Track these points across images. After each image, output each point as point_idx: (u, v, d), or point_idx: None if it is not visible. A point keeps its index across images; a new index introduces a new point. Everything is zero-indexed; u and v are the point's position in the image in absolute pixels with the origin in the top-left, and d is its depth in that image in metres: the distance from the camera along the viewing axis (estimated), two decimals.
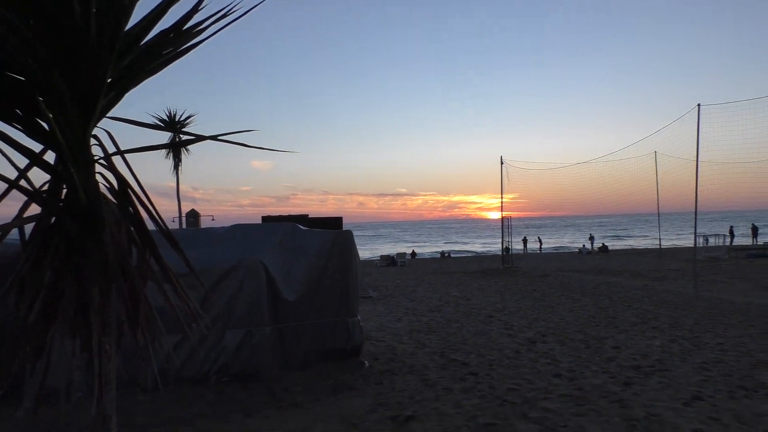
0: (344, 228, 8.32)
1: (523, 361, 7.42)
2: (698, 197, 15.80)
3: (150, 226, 2.53)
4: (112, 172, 2.40)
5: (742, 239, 42.54)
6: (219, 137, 2.51)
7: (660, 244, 31.91)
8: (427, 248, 69.43)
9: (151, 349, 2.50)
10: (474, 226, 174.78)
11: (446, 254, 43.38)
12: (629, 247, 50.24)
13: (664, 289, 15.40)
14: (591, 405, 5.54)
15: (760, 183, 22.77)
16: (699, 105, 15.83)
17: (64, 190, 2.39)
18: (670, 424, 4.95)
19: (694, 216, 16.59)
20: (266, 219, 10.96)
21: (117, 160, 2.45)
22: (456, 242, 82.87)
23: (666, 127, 23.38)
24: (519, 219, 29.29)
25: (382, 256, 34.44)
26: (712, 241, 37.53)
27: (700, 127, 15.77)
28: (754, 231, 40.21)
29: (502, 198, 28.16)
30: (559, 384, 6.31)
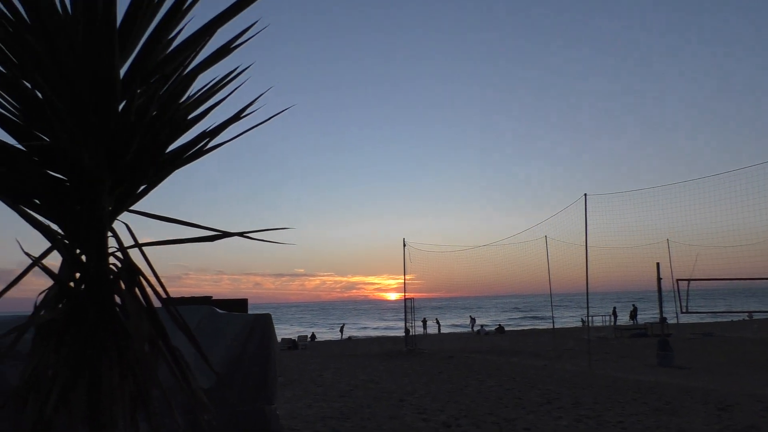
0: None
1: None
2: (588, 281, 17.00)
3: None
4: (128, 263, 2.36)
5: (624, 319, 45.49)
6: (246, 234, 2.53)
7: (553, 324, 33.46)
8: (327, 329, 68.50)
9: None
10: (373, 307, 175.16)
11: (349, 336, 43.07)
12: (524, 327, 52.21)
13: (561, 368, 16.08)
14: None
15: (640, 266, 24.82)
16: (585, 194, 17.32)
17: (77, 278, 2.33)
18: None
19: (585, 298, 17.74)
20: (166, 302, 10.47)
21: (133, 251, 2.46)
22: (357, 324, 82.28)
23: (556, 215, 25.22)
24: (418, 300, 29.81)
25: (283, 339, 33.50)
26: (597, 321, 39.92)
27: (588, 214, 17.21)
28: (634, 312, 43.25)
29: (405, 280, 28.69)
30: None
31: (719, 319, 43.77)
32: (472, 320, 49.07)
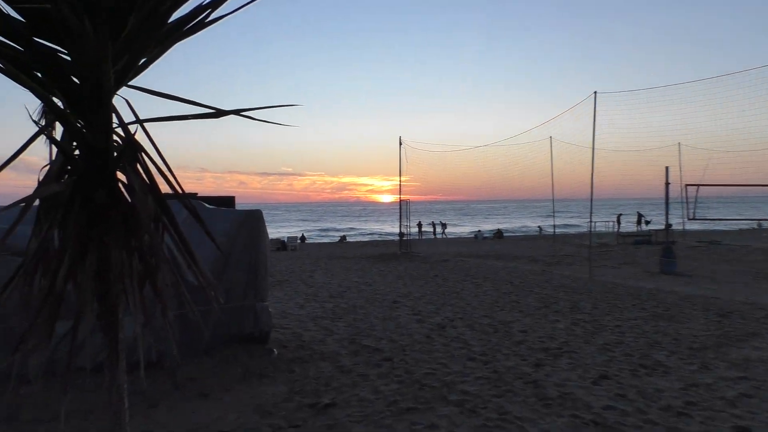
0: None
1: (435, 346, 7.83)
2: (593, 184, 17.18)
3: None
4: (130, 139, 2.41)
5: (628, 226, 46.40)
6: (242, 112, 2.56)
7: (554, 230, 34.15)
8: (318, 231, 69.66)
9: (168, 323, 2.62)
10: (365, 209, 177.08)
11: (341, 238, 44.01)
12: (525, 233, 53.28)
13: (560, 273, 16.62)
14: (507, 386, 6.01)
15: (649, 170, 25.03)
16: (596, 92, 17.12)
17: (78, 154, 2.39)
18: (582, 402, 5.50)
19: (589, 203, 18.00)
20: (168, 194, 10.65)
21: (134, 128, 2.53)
22: (348, 226, 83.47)
23: (563, 114, 25.04)
24: (414, 203, 30.11)
25: (271, 240, 34.12)
26: (600, 227, 40.74)
27: (597, 114, 17.11)
28: (639, 219, 44.08)
29: (400, 181, 28.85)
30: (474, 367, 6.76)
31: (728, 227, 44.68)
32: (443, 225, 49.11)
